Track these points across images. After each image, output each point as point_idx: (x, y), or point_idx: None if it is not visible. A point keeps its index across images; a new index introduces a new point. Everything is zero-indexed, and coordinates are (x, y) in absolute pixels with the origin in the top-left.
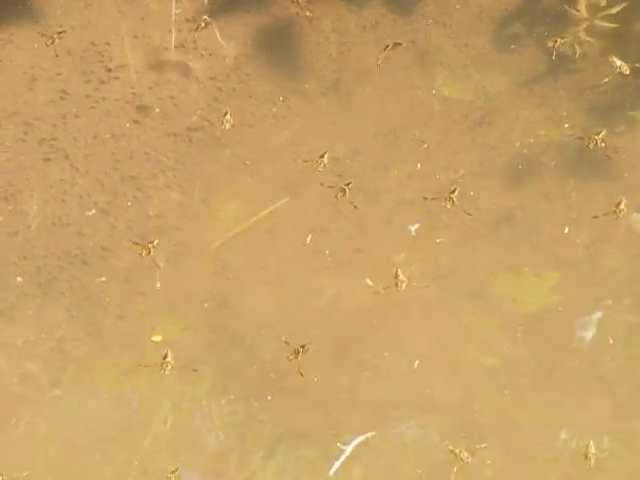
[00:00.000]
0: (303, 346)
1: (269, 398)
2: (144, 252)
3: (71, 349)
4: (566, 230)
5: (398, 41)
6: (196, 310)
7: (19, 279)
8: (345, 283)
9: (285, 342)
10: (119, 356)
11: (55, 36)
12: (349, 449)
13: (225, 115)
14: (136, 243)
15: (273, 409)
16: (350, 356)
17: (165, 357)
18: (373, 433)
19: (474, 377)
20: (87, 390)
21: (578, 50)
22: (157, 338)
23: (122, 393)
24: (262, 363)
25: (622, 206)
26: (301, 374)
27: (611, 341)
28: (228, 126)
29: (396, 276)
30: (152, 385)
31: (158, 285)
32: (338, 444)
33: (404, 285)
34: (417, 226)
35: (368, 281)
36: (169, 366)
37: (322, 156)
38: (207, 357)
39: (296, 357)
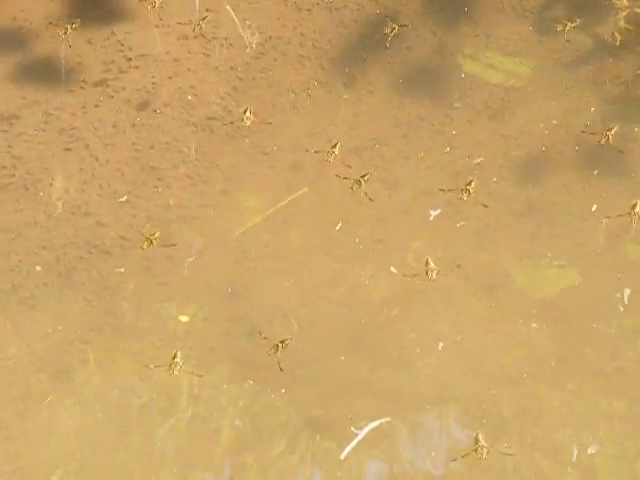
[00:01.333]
0: (283, 341)
1: (283, 391)
2: (146, 244)
3: (90, 338)
4: (593, 208)
5: (403, 23)
6: (216, 299)
7: (39, 268)
8: (365, 273)
9: (264, 338)
10: (139, 345)
11: (68, 27)
12: (362, 434)
13: (245, 112)
14: (140, 234)
15: (290, 398)
16: (368, 345)
17: (174, 357)
18: (388, 419)
19: (493, 367)
20: (106, 379)
21: (618, 38)
22: (184, 318)
23: (141, 382)
24: (282, 354)
25: (637, 209)
26: (281, 369)
27: (632, 332)
28: (249, 123)
29: (427, 264)
30: (171, 375)
31: (185, 272)
32: (352, 428)
33: (435, 274)
34: (437, 212)
35: (392, 269)
36: (177, 367)
37: (334, 146)
38: (226, 346)
39: (275, 352)
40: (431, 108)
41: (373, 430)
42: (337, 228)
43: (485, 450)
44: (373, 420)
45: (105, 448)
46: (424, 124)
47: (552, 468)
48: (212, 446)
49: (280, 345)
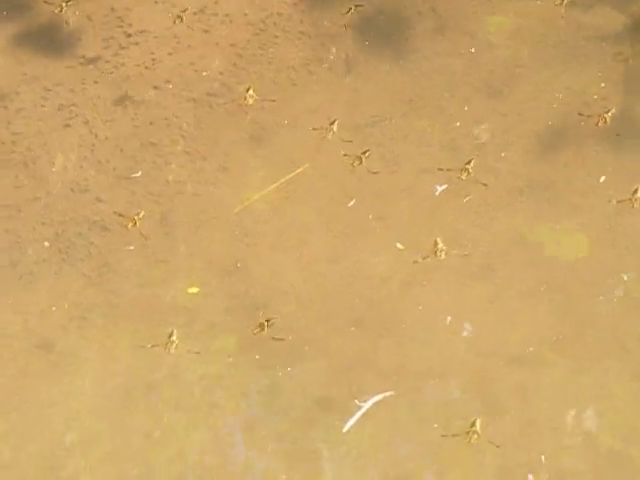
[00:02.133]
0: (268, 320)
1: (289, 369)
2: (130, 224)
3: (89, 315)
4: (601, 179)
5: (359, 3)
6: (216, 276)
7: (46, 244)
8: (366, 249)
9: (261, 315)
10: (137, 323)
11: (63, 4)
12: (366, 407)
13: (248, 90)
14: (121, 215)
15: (295, 375)
16: (371, 320)
17: (171, 336)
18: (391, 392)
19: (494, 344)
20: (105, 357)
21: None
22: (193, 290)
23: (141, 359)
24: (281, 330)
25: (639, 194)
26: (265, 347)
27: (633, 307)
28: (251, 101)
29: (435, 244)
30: (172, 353)
31: (185, 249)
32: (355, 401)
33: (443, 254)
34: (441, 189)
35: (398, 245)
36: (174, 345)
37: (332, 123)
38: (228, 323)
39: (261, 331)
40: (431, 86)
41: (376, 403)
42: (349, 205)
43: (476, 436)
44: (377, 394)
45: (106, 426)
46: (424, 102)
47: (551, 445)
48: (216, 423)
49: (266, 324)
